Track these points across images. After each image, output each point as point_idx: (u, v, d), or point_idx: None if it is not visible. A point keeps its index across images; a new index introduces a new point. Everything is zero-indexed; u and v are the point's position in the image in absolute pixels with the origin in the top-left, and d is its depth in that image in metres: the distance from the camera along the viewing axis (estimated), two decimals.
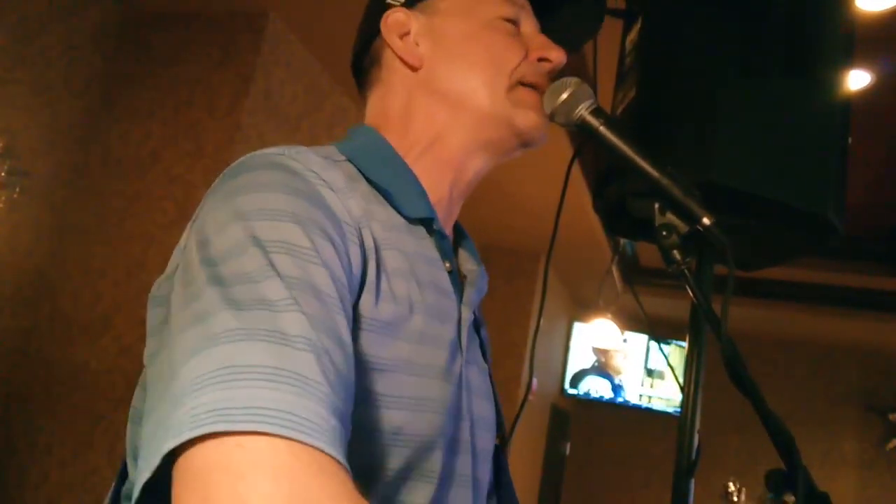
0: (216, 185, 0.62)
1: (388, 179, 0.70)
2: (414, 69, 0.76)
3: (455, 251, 0.79)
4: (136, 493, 0.43)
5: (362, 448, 0.58)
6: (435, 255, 0.71)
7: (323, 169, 0.62)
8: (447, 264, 0.71)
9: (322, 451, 0.42)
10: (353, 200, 0.63)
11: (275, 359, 0.45)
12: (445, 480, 0.65)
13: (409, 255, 0.66)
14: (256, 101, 2.98)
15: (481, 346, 0.80)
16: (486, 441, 0.74)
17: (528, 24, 0.80)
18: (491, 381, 0.79)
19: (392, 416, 0.60)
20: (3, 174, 2.64)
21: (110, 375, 2.78)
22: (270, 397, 0.43)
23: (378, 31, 0.77)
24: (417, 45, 0.76)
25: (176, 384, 0.45)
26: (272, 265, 0.51)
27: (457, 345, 0.69)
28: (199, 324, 0.48)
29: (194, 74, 3.04)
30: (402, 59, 0.76)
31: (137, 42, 3.17)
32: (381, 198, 0.68)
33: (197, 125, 2.98)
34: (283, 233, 0.53)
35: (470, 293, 0.74)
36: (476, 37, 0.76)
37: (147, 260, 2.87)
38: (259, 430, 0.41)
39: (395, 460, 0.60)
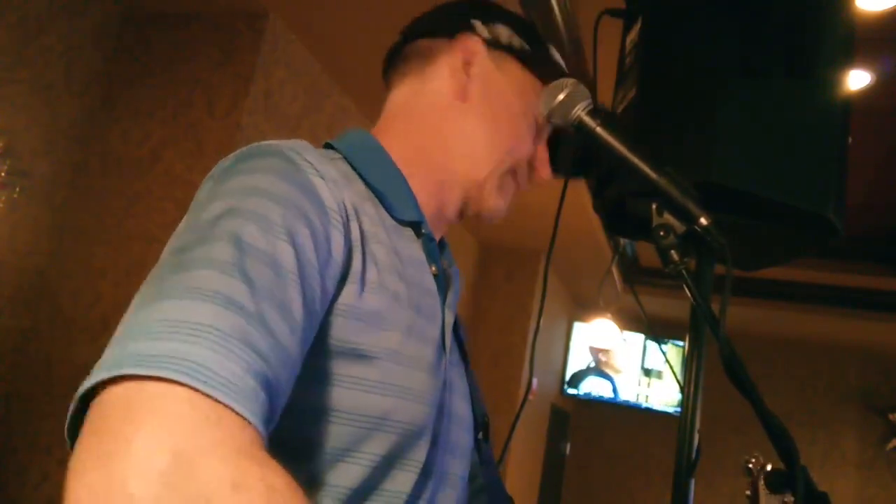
0: (214, 170, 0.63)
1: (382, 181, 0.72)
2: (460, 100, 0.79)
3: None
4: (66, 431, 0.46)
5: (348, 430, 0.60)
6: (421, 257, 0.73)
7: (318, 161, 0.63)
8: (433, 267, 0.73)
9: (226, 406, 0.43)
10: (346, 193, 0.64)
11: (204, 316, 0.46)
12: (427, 473, 0.66)
13: (397, 254, 0.68)
14: (256, 101, 2.98)
15: (461, 345, 0.82)
16: (466, 440, 0.76)
17: (544, 134, 0.85)
18: (470, 381, 0.81)
19: (379, 402, 0.61)
20: (3, 174, 2.64)
21: None
22: (185, 350, 0.43)
23: (451, 36, 0.80)
24: (470, 80, 0.79)
25: (117, 329, 0.48)
26: (236, 233, 0.52)
27: (441, 344, 0.71)
28: (153, 279, 0.51)
29: (194, 74, 3.04)
30: (455, 85, 0.79)
31: (137, 42, 3.17)
32: (373, 197, 0.70)
33: (197, 125, 2.98)
34: (259, 207, 0.55)
35: (451, 297, 0.76)
36: (515, 116, 0.80)
37: (147, 260, 2.87)
38: (163, 375, 0.42)
39: (379, 445, 0.62)
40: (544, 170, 0.83)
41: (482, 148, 0.78)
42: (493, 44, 0.80)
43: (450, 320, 0.73)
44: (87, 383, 0.44)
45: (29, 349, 2.93)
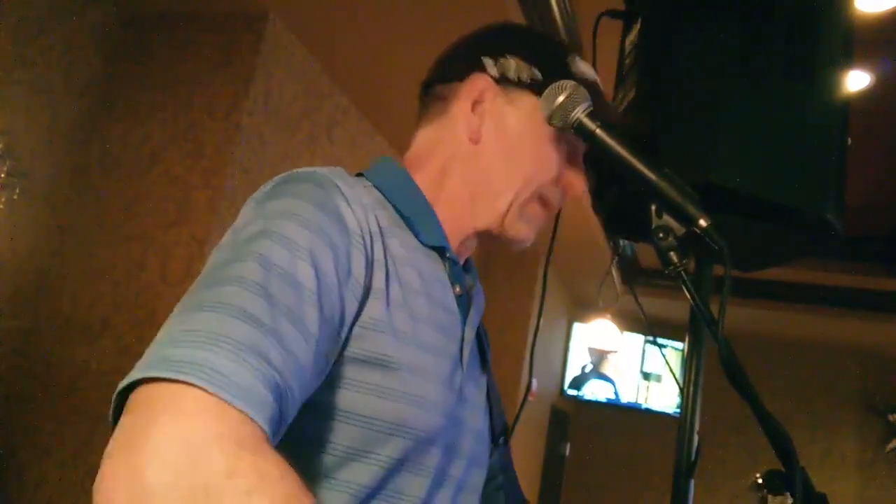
0: (257, 193, 0.70)
1: (410, 208, 0.77)
2: (473, 142, 0.81)
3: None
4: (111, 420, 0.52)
5: (364, 432, 0.65)
6: (445, 278, 0.77)
7: (349, 186, 0.69)
8: (457, 288, 0.78)
9: (231, 405, 0.49)
10: (374, 217, 0.70)
11: (225, 328, 0.52)
12: (441, 480, 0.71)
13: (423, 275, 0.73)
14: (256, 101, 2.98)
15: (483, 358, 0.85)
16: (480, 451, 0.79)
17: (578, 152, 0.85)
18: (490, 393, 0.85)
19: (395, 409, 0.66)
20: (3, 175, 2.64)
21: (110, 376, 2.78)
22: (203, 356, 0.50)
23: (461, 78, 0.82)
24: (482, 121, 0.81)
25: (158, 332, 0.55)
26: (264, 252, 0.59)
27: (458, 360, 0.75)
28: (193, 291, 0.58)
29: (194, 75, 3.04)
30: (465, 126, 0.81)
31: (137, 42, 3.17)
32: (402, 224, 0.76)
33: (197, 126, 2.97)
34: (287, 230, 0.61)
35: (473, 315, 0.80)
36: (533, 144, 0.81)
37: (147, 260, 2.87)
38: (180, 378, 0.49)
39: (393, 449, 0.66)
40: (575, 188, 0.84)
41: (498, 184, 0.81)
42: (503, 80, 0.81)
43: (469, 337, 0.78)
44: (123, 383, 0.51)
45: (29, 349, 2.92)
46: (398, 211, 0.76)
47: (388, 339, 0.66)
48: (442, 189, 0.81)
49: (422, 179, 0.82)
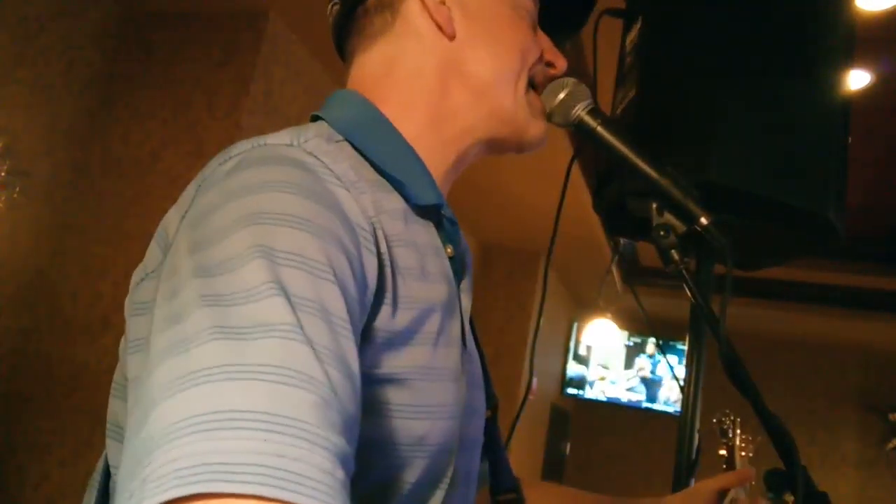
0: (215, 176, 0.55)
1: (394, 164, 0.63)
2: (448, 37, 0.69)
3: None
4: None
5: (382, 462, 0.55)
6: (437, 242, 0.65)
7: (334, 161, 0.56)
8: (449, 249, 0.66)
9: None
10: (365, 195, 0.57)
11: (273, 402, 0.38)
12: (453, 483, 0.62)
13: (419, 248, 0.61)
14: (256, 100, 2.98)
15: (471, 322, 0.76)
16: (480, 432, 0.72)
17: (536, 22, 0.77)
18: (483, 362, 0.75)
19: (414, 427, 0.56)
20: (3, 174, 2.64)
21: (110, 375, 2.77)
22: (267, 450, 0.36)
23: None
24: (448, 9, 0.69)
25: (152, 427, 0.38)
26: (279, 281, 0.44)
27: (461, 338, 0.65)
28: (182, 352, 0.41)
29: (194, 74, 3.04)
30: (436, 23, 0.69)
31: (137, 42, 3.17)
32: (386, 183, 0.62)
33: (197, 125, 2.98)
34: (295, 242, 0.46)
35: (467, 280, 0.70)
36: (510, 23, 0.71)
37: None
38: (254, 492, 0.35)
39: (414, 471, 0.57)
40: (560, 61, 0.75)
41: (496, 78, 0.70)
42: None
43: (467, 307, 0.68)
44: (148, 502, 0.34)
45: (29, 349, 2.93)
46: (380, 171, 0.62)
47: (397, 348, 0.55)
48: (423, 115, 0.68)
49: (393, 111, 0.67)
